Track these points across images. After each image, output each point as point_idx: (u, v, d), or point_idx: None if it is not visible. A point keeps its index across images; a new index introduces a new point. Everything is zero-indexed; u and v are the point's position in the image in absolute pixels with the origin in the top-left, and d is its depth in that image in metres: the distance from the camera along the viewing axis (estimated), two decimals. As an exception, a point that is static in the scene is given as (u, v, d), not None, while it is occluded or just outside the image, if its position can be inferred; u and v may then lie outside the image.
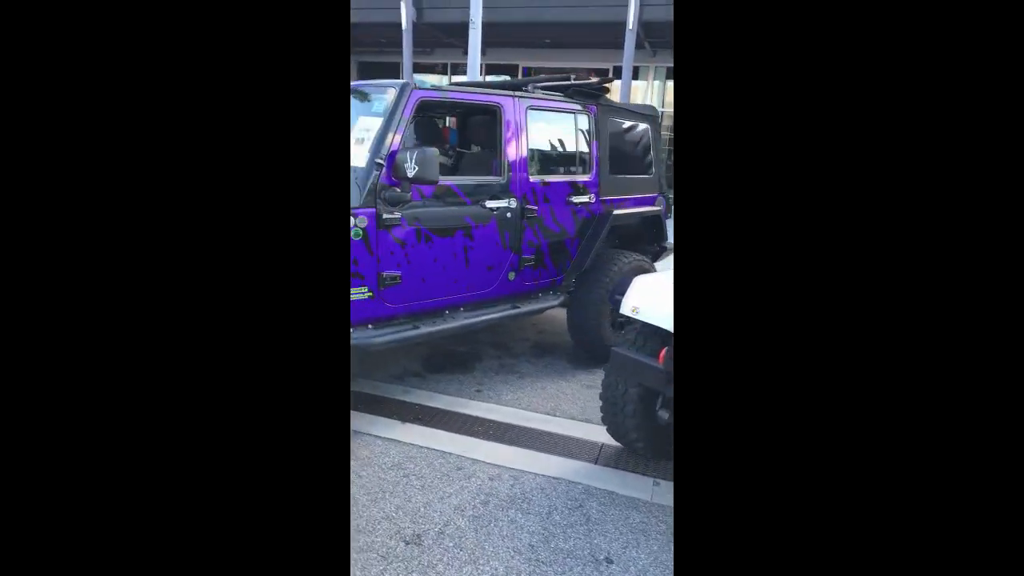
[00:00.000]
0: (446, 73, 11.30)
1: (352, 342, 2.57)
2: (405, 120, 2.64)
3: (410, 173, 2.48)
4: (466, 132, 3.99)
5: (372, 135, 2.62)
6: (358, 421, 2.81)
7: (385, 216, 2.57)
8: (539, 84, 3.41)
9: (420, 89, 2.72)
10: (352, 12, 8.85)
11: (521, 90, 3.23)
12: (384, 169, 2.55)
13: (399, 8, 8.34)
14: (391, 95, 2.70)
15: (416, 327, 2.79)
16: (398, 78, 9.88)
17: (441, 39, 9.68)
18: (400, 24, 8.39)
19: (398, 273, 2.68)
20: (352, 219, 2.48)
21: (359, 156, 2.60)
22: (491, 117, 3.11)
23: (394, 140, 2.59)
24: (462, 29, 8.10)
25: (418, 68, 8.61)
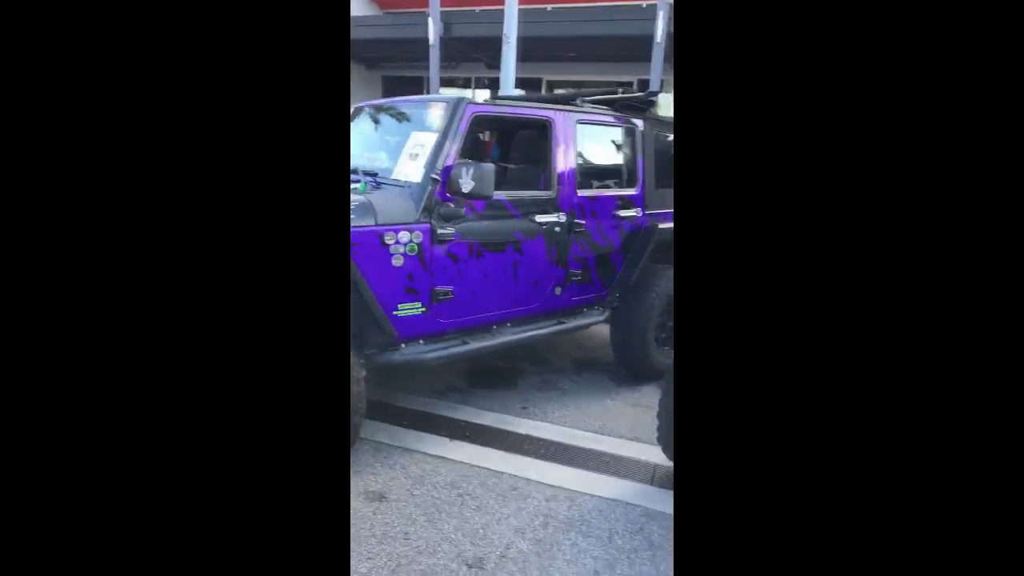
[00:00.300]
0: (468, 86, 11.36)
1: (405, 358, 2.55)
2: (460, 135, 2.63)
3: (466, 188, 2.46)
4: (510, 146, 3.97)
5: (425, 150, 2.61)
6: (407, 438, 2.78)
7: (440, 231, 2.55)
8: (587, 98, 3.39)
9: (474, 104, 2.71)
10: (378, 29, 8.95)
11: (570, 104, 3.21)
12: (439, 184, 2.53)
13: (426, 24, 8.41)
14: (444, 110, 2.69)
15: (465, 342, 2.76)
16: (423, 92, 9.93)
17: (466, 53, 9.73)
18: (427, 39, 8.45)
19: (450, 288, 2.65)
20: (408, 234, 2.46)
21: (413, 172, 2.59)
22: (539, 131, 3.09)
23: (449, 155, 2.58)
24: (488, 44, 8.14)
25: (442, 82, 8.64)
